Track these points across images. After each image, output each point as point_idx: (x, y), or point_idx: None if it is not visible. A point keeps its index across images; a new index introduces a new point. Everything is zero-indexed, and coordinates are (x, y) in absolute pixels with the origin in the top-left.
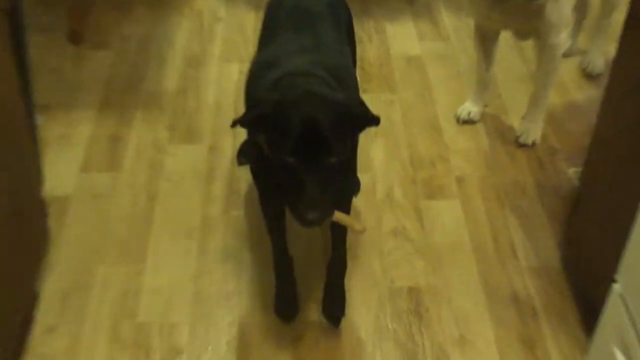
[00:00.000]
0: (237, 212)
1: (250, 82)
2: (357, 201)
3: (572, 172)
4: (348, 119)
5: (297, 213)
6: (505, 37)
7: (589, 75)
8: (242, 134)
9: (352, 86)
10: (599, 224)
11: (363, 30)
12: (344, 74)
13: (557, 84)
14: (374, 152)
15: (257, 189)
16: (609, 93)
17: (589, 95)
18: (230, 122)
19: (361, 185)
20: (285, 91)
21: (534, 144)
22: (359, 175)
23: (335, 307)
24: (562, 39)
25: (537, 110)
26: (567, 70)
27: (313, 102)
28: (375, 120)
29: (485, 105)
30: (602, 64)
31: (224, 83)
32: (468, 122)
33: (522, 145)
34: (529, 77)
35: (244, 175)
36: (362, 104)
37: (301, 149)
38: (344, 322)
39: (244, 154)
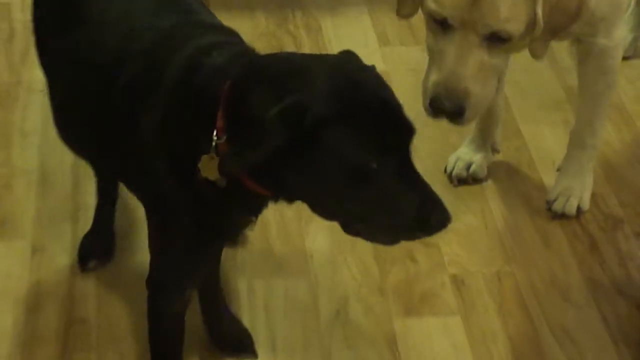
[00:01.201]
0: None
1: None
2: (284, 320)
3: None
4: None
5: (421, 221)
6: None
7: None
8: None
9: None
10: None
11: (284, 26)
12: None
13: (612, 109)
14: (310, 241)
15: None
16: None
17: None
18: None
19: (296, 301)
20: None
21: (579, 212)
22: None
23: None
24: (618, 36)
25: (582, 155)
26: (628, 86)
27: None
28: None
29: (496, 151)
30: None
31: None
32: (467, 181)
33: (560, 216)
34: (567, 101)
35: None
36: None
37: (400, 132)
38: None
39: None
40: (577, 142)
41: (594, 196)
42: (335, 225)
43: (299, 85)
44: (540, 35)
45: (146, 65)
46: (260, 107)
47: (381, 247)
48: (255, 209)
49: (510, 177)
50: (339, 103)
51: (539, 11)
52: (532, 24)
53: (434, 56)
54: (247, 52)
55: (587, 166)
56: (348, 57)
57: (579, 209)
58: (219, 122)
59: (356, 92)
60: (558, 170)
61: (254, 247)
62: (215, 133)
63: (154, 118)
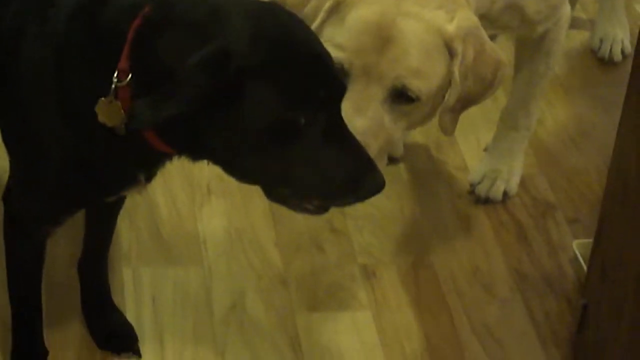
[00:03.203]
0: None
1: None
2: (173, 314)
3: (578, 247)
4: None
5: (352, 183)
6: None
7: (603, 61)
8: None
9: None
10: (626, 343)
11: None
12: None
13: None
14: (204, 225)
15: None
16: (633, 102)
17: (604, 104)
18: None
19: (187, 292)
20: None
21: (506, 197)
22: None
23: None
24: (563, 16)
25: (514, 136)
26: (563, 58)
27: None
28: None
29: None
30: (622, 41)
31: None
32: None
33: (484, 201)
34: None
35: None
36: None
37: (332, 87)
38: None
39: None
40: (509, 122)
41: (522, 179)
42: (232, 208)
43: (221, 30)
44: (452, 104)
45: None
46: (177, 52)
47: (283, 233)
48: (148, 164)
49: (429, 157)
50: (266, 51)
51: (456, 70)
52: (442, 87)
53: None
54: None
55: (518, 148)
56: (273, 4)
57: (505, 193)
58: (123, 63)
59: (285, 40)
60: (485, 150)
61: (141, 232)
62: (116, 75)
63: (45, 48)
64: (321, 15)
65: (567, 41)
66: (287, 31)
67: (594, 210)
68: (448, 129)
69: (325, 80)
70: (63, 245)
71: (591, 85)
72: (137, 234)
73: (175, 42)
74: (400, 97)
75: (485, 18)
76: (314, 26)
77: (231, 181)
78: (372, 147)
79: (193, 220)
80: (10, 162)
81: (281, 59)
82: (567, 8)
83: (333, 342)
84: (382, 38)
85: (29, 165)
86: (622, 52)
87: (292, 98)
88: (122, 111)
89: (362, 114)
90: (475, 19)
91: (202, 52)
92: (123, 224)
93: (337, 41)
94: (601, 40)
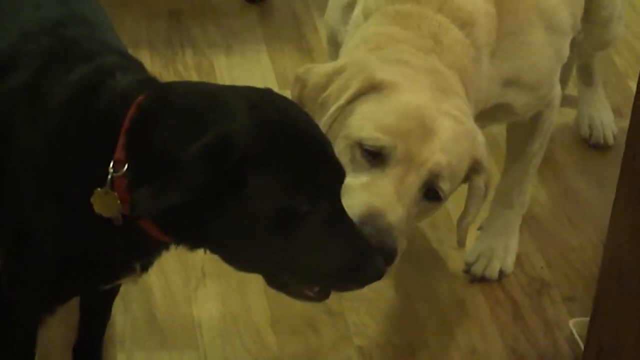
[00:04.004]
0: None
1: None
2: None
3: (574, 325)
4: None
5: (354, 270)
6: None
7: (598, 146)
8: None
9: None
10: None
11: (172, 66)
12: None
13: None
14: (199, 308)
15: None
16: (627, 180)
17: (599, 181)
18: None
19: None
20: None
21: (501, 276)
22: None
23: None
24: (554, 97)
25: (508, 214)
26: (558, 134)
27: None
28: None
29: None
30: (610, 124)
31: None
32: None
33: (480, 280)
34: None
35: None
36: None
37: (332, 173)
38: None
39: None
40: (503, 201)
41: (518, 256)
42: (227, 291)
43: (221, 118)
44: (474, 218)
45: (38, 72)
46: (175, 140)
47: (279, 315)
48: (144, 254)
49: (424, 236)
50: (267, 139)
51: (483, 185)
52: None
53: (350, 194)
54: (153, 80)
55: (513, 226)
56: (268, 90)
57: (501, 272)
58: (119, 153)
59: (285, 126)
60: (479, 229)
61: (135, 315)
62: (112, 165)
63: (38, 136)
64: (349, 93)
65: (559, 117)
66: (286, 117)
67: (590, 288)
68: (465, 241)
69: (325, 166)
70: (57, 329)
71: (585, 162)
72: (132, 318)
73: (173, 130)
74: (428, 193)
75: (477, 115)
76: (337, 104)
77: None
78: (403, 236)
79: (188, 304)
80: (2, 252)
81: (282, 146)
82: (557, 89)
83: None
84: (425, 128)
85: (20, 255)
86: (612, 134)
87: (294, 185)
88: (119, 202)
89: (402, 202)
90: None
91: (203, 140)
92: (117, 307)
93: (380, 122)
94: (590, 127)
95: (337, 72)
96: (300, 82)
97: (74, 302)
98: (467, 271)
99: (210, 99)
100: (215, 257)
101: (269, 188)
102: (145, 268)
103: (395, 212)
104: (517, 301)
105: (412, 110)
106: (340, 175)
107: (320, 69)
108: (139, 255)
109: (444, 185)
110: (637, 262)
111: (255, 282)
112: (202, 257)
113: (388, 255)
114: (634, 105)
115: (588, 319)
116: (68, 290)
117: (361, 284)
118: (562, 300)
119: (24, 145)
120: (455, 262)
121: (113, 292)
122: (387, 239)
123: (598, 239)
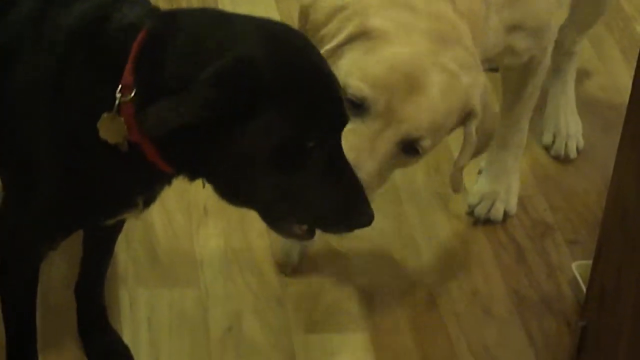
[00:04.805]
0: None
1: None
2: (169, 336)
3: (577, 268)
4: None
5: (345, 213)
6: None
7: (559, 159)
8: None
9: None
10: None
11: (176, 2)
12: None
13: (542, 101)
14: (201, 247)
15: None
16: (633, 121)
17: (604, 125)
18: None
19: (183, 314)
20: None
21: (506, 217)
22: None
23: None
24: (549, 42)
25: (507, 155)
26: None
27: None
28: None
29: None
30: (576, 135)
31: None
32: None
33: (484, 222)
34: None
35: None
36: None
37: (338, 116)
38: None
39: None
40: (499, 142)
41: (521, 200)
42: (229, 229)
43: (236, 44)
44: (466, 163)
45: (43, 2)
46: (188, 64)
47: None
48: (146, 187)
49: (428, 179)
50: (282, 70)
51: (474, 131)
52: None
53: None
54: (159, 11)
55: (512, 166)
56: (285, 24)
57: (505, 213)
58: (126, 79)
59: (300, 62)
60: (479, 172)
61: (137, 253)
62: (119, 90)
63: (44, 65)
64: (341, 37)
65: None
66: (302, 52)
67: (593, 232)
68: (460, 186)
69: (334, 107)
70: (60, 267)
71: (590, 106)
72: (134, 256)
73: (186, 54)
74: (406, 147)
75: (483, 60)
76: (329, 46)
77: None
78: (374, 190)
79: (190, 242)
80: (4, 183)
81: (296, 79)
82: (554, 33)
83: None
84: (412, 83)
85: (23, 187)
86: (577, 147)
87: (304, 120)
88: (125, 127)
89: (374, 157)
90: (484, 74)
91: (219, 62)
92: (119, 245)
93: (366, 72)
94: (554, 136)
95: (337, 10)
96: (303, 14)
97: (77, 240)
98: (470, 213)
99: (226, 25)
100: None
101: (279, 119)
102: (147, 203)
103: (365, 168)
104: (520, 244)
105: (401, 63)
106: (345, 119)
107: (323, 3)
108: (141, 186)
109: (424, 143)
110: None
111: (257, 220)
112: (204, 195)
113: None
114: None
115: (591, 261)
116: (70, 222)
117: (349, 228)
118: (565, 243)
119: (28, 74)
120: (459, 204)
121: (116, 230)
122: None
123: (602, 182)
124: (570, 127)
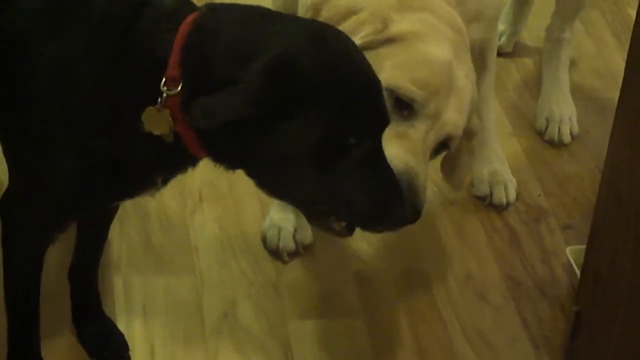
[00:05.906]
0: None
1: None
2: (164, 322)
3: (571, 252)
4: None
5: (383, 212)
6: None
7: (552, 143)
8: None
9: None
10: (619, 349)
11: None
12: None
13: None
14: (196, 233)
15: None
16: (626, 103)
17: (597, 109)
18: None
19: (178, 300)
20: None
21: (508, 205)
22: None
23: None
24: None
25: (490, 135)
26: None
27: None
28: None
29: None
30: (571, 120)
31: None
32: None
33: (488, 204)
34: None
35: None
36: None
37: (381, 117)
38: None
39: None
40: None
41: (518, 185)
42: (224, 215)
43: (283, 42)
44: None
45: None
46: (236, 58)
47: None
48: (172, 169)
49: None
50: (327, 68)
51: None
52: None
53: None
54: (191, 2)
55: (495, 144)
56: (331, 26)
57: (507, 203)
58: (172, 71)
59: (344, 61)
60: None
61: (132, 239)
62: (164, 82)
63: (74, 51)
64: (358, 38)
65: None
66: (346, 52)
67: (587, 216)
68: (462, 186)
69: (375, 110)
70: (53, 253)
71: (584, 91)
72: (128, 242)
73: (233, 49)
74: (439, 146)
75: None
76: None
77: (223, 188)
78: (425, 192)
79: (184, 228)
80: (12, 168)
81: (340, 78)
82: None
83: (325, 349)
84: (449, 84)
85: (38, 169)
86: (571, 132)
87: (347, 118)
88: (171, 119)
89: (425, 160)
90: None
91: (267, 58)
92: (114, 231)
93: (416, 75)
94: (547, 120)
95: (351, 11)
96: (315, 10)
97: (71, 227)
98: (482, 199)
99: (273, 24)
100: (212, 181)
101: (322, 116)
102: (165, 182)
103: (424, 173)
104: (514, 229)
105: (442, 66)
106: (386, 120)
107: (338, 2)
108: (170, 170)
109: (452, 145)
110: (634, 185)
111: (252, 207)
112: (199, 182)
113: (417, 213)
114: (633, 33)
115: (585, 246)
116: (85, 203)
117: (387, 227)
118: (559, 228)
119: (57, 60)
120: (452, 190)
121: (111, 215)
122: (418, 200)
123: (596, 167)
124: (563, 111)
